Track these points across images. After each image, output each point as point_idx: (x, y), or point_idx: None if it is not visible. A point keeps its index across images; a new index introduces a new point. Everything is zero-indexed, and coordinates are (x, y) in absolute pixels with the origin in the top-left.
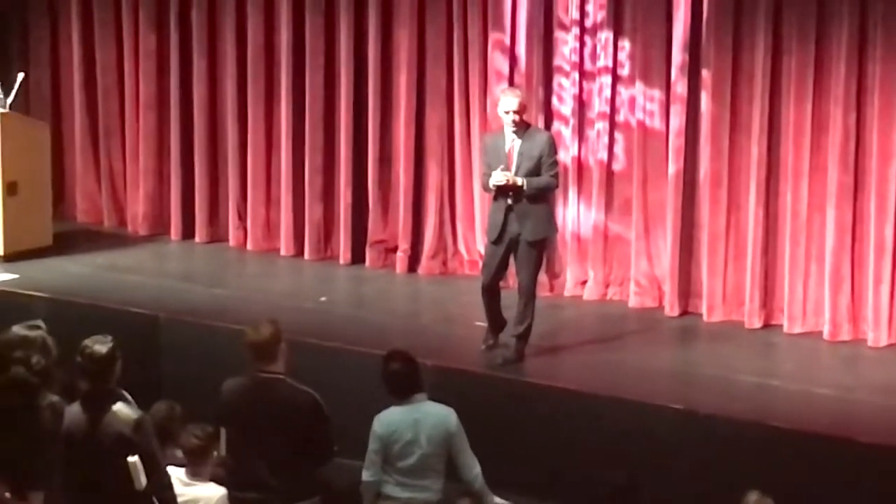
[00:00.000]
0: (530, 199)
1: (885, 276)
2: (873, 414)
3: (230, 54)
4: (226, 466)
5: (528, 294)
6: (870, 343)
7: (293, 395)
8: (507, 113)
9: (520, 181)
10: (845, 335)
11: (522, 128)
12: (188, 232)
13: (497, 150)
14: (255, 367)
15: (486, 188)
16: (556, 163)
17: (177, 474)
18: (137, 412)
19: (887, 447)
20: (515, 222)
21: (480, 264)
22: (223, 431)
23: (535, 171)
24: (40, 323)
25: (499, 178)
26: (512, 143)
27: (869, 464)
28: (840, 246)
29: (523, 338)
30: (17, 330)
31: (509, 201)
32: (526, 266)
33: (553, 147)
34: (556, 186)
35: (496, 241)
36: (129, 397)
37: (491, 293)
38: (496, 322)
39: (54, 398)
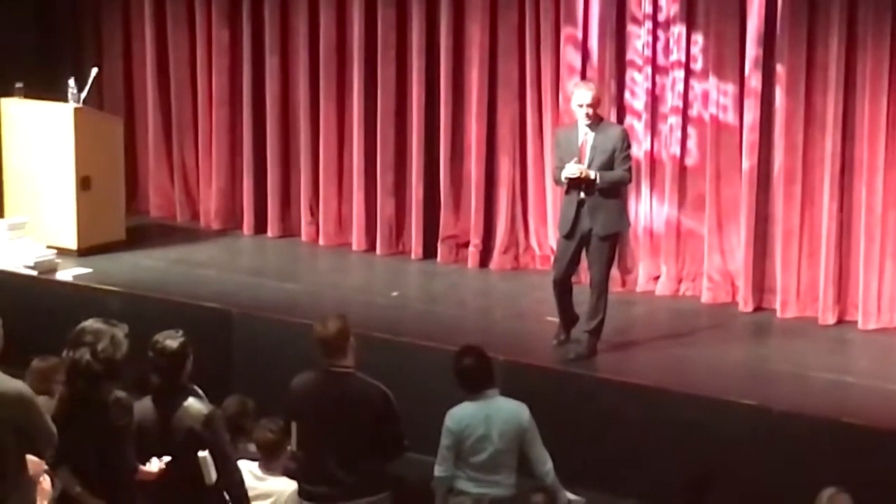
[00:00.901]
0: (602, 194)
1: None
2: None
3: (302, 49)
4: (296, 461)
5: (601, 289)
6: None
7: (363, 389)
8: (580, 106)
9: (592, 174)
10: None
11: (596, 121)
12: (260, 227)
13: (570, 144)
14: (324, 361)
15: (557, 181)
16: (629, 157)
17: (250, 468)
18: (209, 407)
19: None
20: (587, 217)
21: (552, 259)
22: (293, 426)
23: (608, 165)
24: (123, 325)
25: (572, 170)
26: (585, 136)
27: None
28: None
29: (595, 333)
30: (94, 321)
31: (581, 195)
32: (598, 261)
33: (627, 141)
34: (630, 181)
35: (568, 236)
36: (200, 392)
37: (562, 288)
38: (568, 317)
39: (121, 394)
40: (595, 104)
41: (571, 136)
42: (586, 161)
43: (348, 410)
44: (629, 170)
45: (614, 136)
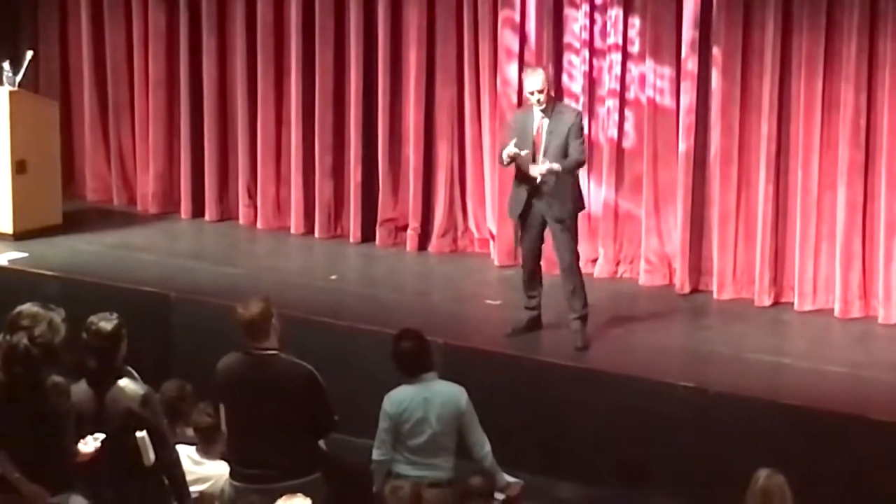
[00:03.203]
0: (556, 182)
1: (895, 254)
2: (884, 391)
3: (240, 32)
4: (226, 443)
5: (572, 270)
6: (880, 320)
7: (287, 368)
8: (531, 94)
9: (542, 169)
10: (856, 312)
11: (550, 105)
12: (198, 210)
13: (525, 129)
14: (248, 344)
15: (501, 162)
16: (583, 140)
17: (188, 453)
18: (144, 388)
19: None
20: (542, 201)
21: (492, 244)
22: (221, 408)
23: (563, 149)
24: (60, 310)
25: (509, 150)
26: (540, 122)
27: (880, 440)
28: (851, 223)
29: (586, 319)
30: (32, 305)
31: (537, 181)
32: (561, 245)
33: (580, 123)
34: (584, 163)
35: (522, 218)
36: (135, 374)
37: (532, 267)
38: (534, 300)
39: (59, 379)
40: (546, 89)
41: (528, 122)
42: (542, 146)
43: (273, 391)
44: (583, 152)
45: (568, 120)
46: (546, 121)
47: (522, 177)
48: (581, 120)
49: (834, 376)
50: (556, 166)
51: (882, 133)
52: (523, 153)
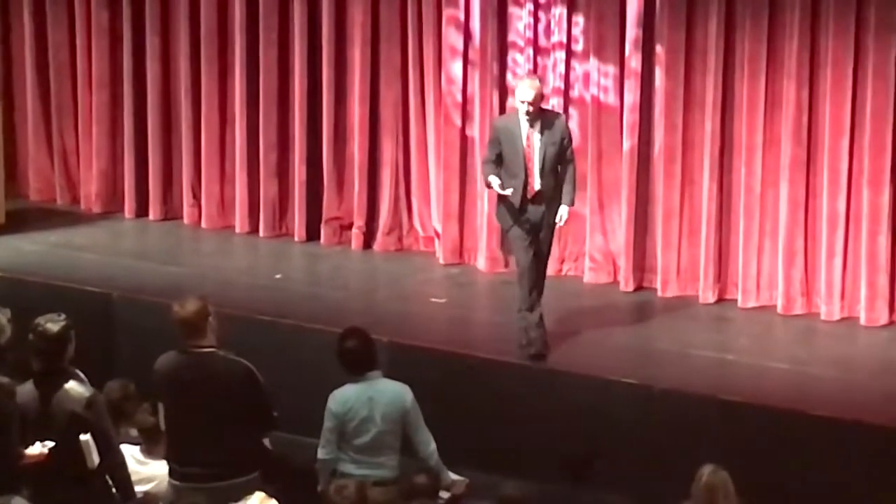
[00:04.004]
0: (552, 189)
1: (837, 250)
2: (826, 387)
3: (183, 30)
4: (166, 442)
5: (544, 271)
6: (823, 317)
7: (224, 366)
8: (522, 102)
9: (562, 219)
10: (798, 309)
11: (537, 114)
12: (142, 210)
13: (513, 139)
14: (185, 342)
15: (486, 178)
16: (572, 146)
17: (132, 453)
18: (90, 390)
19: (840, 420)
20: (537, 209)
21: (437, 243)
22: (160, 407)
23: (558, 157)
24: (5, 310)
25: (496, 188)
26: (528, 131)
27: (821, 436)
28: (793, 220)
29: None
30: None
31: (530, 194)
32: (546, 244)
33: (570, 131)
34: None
35: (518, 226)
36: (81, 376)
37: (533, 277)
38: (537, 310)
39: (4, 379)
40: (538, 101)
41: (514, 131)
42: (538, 159)
43: (211, 389)
44: (573, 160)
45: (560, 128)
46: (535, 131)
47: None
48: (568, 125)
49: (777, 372)
50: (567, 205)
51: (824, 130)
52: (508, 192)
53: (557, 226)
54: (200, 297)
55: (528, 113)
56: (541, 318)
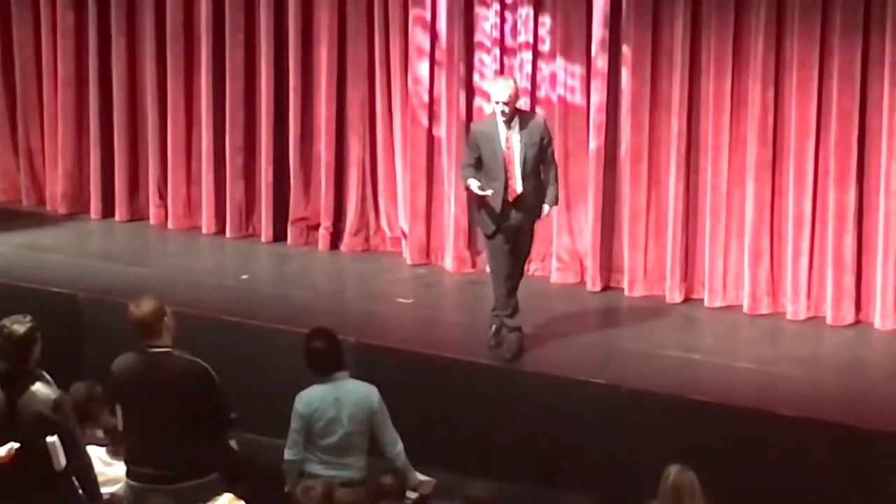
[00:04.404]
0: (533, 188)
1: (803, 250)
2: (792, 386)
3: (149, 31)
4: (124, 443)
5: (521, 274)
6: (789, 316)
7: (180, 366)
8: (497, 103)
9: (546, 213)
10: (765, 308)
11: (513, 115)
12: (108, 211)
13: (492, 142)
14: (141, 342)
15: (464, 181)
16: (552, 146)
17: (97, 454)
18: (56, 392)
19: (806, 419)
20: (517, 215)
21: (404, 243)
22: (118, 408)
23: (539, 157)
24: None
25: (475, 190)
26: (507, 133)
27: (787, 435)
28: (759, 220)
29: (520, 328)
30: None
31: (509, 198)
32: (526, 251)
33: (549, 130)
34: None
35: (494, 235)
36: (48, 377)
37: (512, 283)
38: (514, 311)
39: None
40: (513, 101)
41: (493, 135)
42: (519, 161)
43: (167, 390)
44: (554, 160)
45: (538, 128)
46: (513, 133)
47: (493, 195)
48: (547, 124)
49: (743, 372)
50: (551, 204)
51: (789, 130)
52: (489, 193)
53: (540, 220)
54: (157, 296)
55: (503, 113)
56: (520, 325)
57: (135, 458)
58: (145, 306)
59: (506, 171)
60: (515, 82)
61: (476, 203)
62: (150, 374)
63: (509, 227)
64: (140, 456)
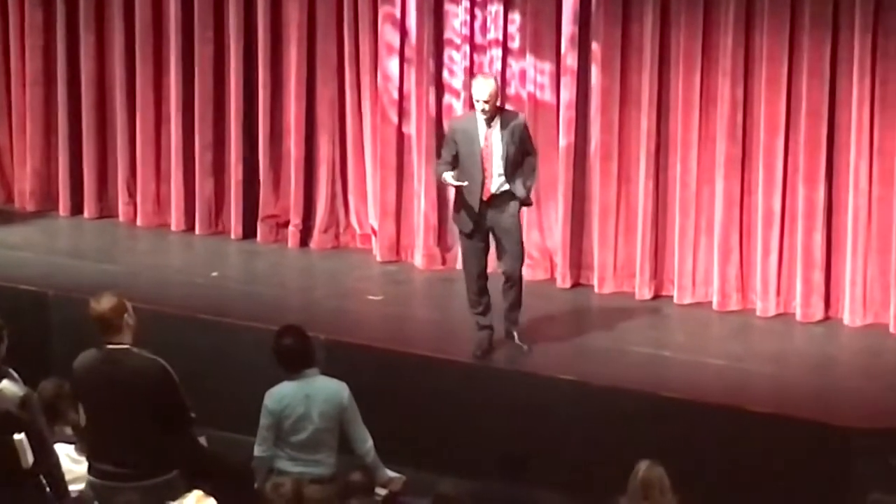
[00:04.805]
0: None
1: (772, 247)
2: (762, 383)
3: (118, 29)
4: (85, 441)
5: (518, 280)
6: (758, 313)
7: (139, 363)
8: (478, 101)
9: (524, 195)
10: (734, 305)
11: (494, 113)
12: (77, 208)
13: (470, 140)
14: (102, 339)
15: (439, 178)
16: (533, 144)
17: (66, 451)
18: (24, 389)
19: (776, 415)
20: (494, 215)
21: (374, 240)
22: (80, 405)
23: (520, 154)
24: None
25: (449, 182)
26: (487, 131)
27: (758, 432)
28: (728, 217)
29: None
30: None
31: (484, 197)
32: (511, 250)
33: (528, 130)
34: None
35: (471, 234)
36: (15, 375)
37: (482, 283)
38: (488, 315)
39: None
40: (494, 99)
41: (471, 132)
42: (498, 160)
43: (126, 387)
44: (535, 154)
45: (519, 126)
46: (493, 130)
47: (468, 193)
48: (526, 122)
49: (713, 368)
50: (527, 189)
51: (758, 127)
52: (465, 184)
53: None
54: (116, 292)
55: (484, 111)
56: (491, 323)
57: (95, 455)
58: (105, 302)
59: (482, 170)
60: (496, 81)
61: (456, 201)
62: (107, 370)
63: (485, 228)
64: (99, 452)
